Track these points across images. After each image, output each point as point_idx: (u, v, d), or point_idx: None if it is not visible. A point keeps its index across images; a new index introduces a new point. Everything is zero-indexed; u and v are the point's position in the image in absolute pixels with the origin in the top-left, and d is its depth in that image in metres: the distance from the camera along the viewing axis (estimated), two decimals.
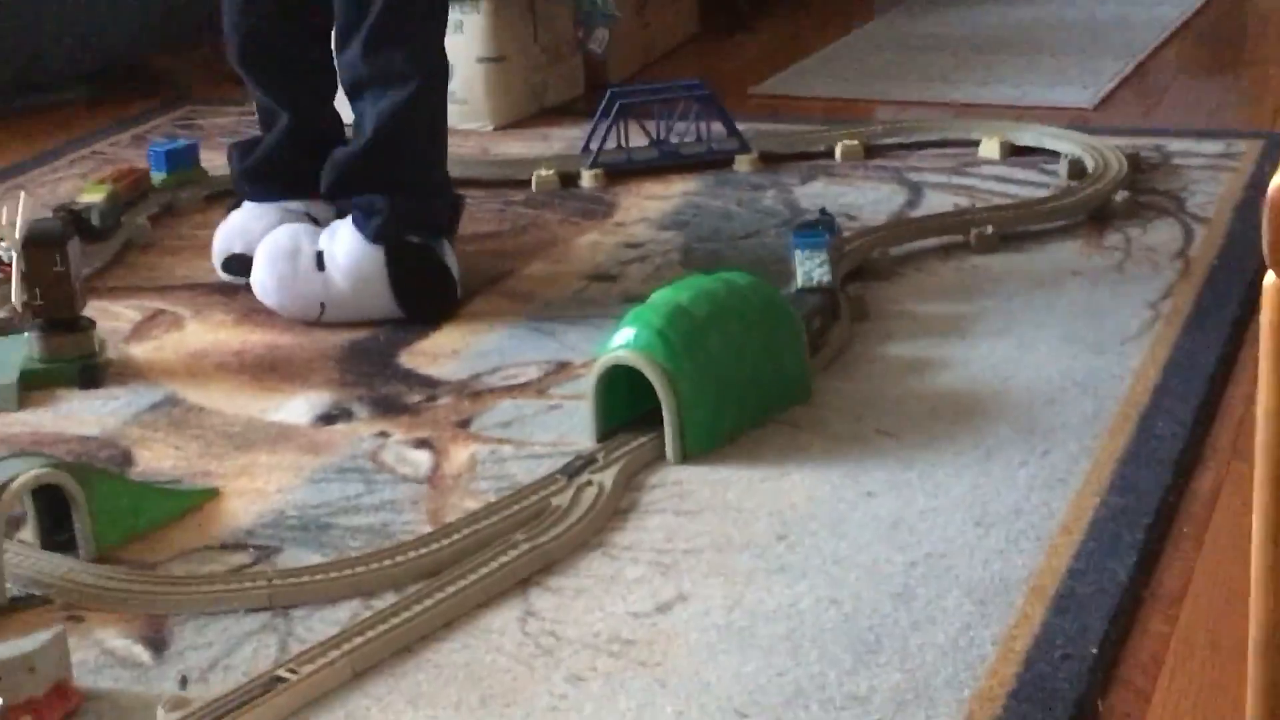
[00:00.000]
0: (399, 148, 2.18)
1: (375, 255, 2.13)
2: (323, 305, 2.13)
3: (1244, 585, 1.47)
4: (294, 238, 2.16)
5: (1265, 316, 0.84)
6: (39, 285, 1.99)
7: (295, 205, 2.29)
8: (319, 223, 2.26)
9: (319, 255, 2.14)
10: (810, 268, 2.06)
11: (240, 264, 2.22)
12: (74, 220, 2.09)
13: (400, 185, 2.16)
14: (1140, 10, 3.61)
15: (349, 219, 2.16)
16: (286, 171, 2.31)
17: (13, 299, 2.01)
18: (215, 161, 2.72)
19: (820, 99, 3.09)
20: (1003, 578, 1.51)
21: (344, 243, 2.14)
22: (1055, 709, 1.31)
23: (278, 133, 2.33)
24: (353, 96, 2.22)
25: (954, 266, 2.25)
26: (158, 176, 2.57)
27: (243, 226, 2.27)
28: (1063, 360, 1.94)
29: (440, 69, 2.27)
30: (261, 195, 2.30)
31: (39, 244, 1.99)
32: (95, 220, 2.29)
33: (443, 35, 2.26)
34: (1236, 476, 1.69)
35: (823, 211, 2.27)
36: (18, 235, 1.99)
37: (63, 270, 1.99)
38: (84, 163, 2.86)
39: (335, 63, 2.26)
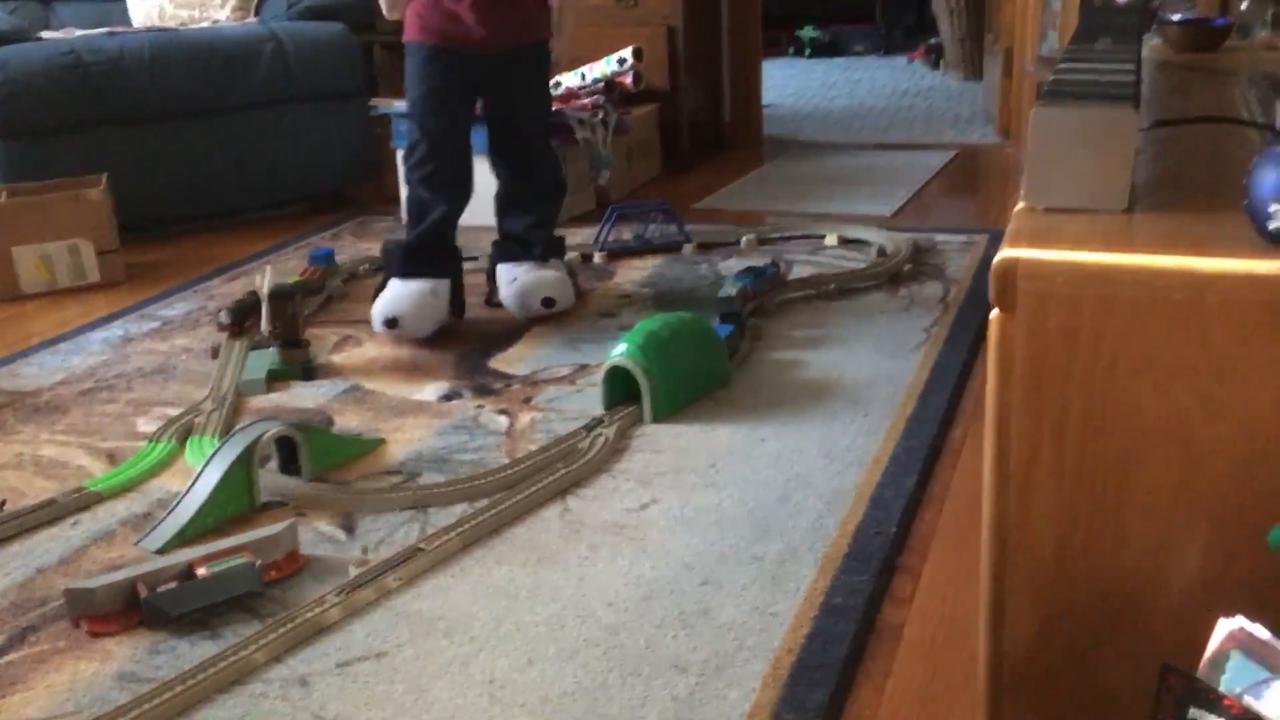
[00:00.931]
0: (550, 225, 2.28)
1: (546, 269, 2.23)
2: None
3: (980, 494, 1.50)
4: (435, 297, 2.15)
5: (991, 336, 0.85)
6: (278, 320, 2.00)
7: (425, 285, 2.13)
8: (437, 296, 2.14)
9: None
10: (727, 289, 2.09)
11: (395, 323, 2.10)
12: (293, 289, 2.07)
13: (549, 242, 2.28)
14: (918, 159, 3.62)
15: (524, 261, 2.23)
16: (426, 258, 2.16)
17: (263, 328, 2.03)
18: (361, 247, 2.73)
19: (732, 211, 3.08)
20: (840, 488, 1.52)
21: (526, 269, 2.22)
22: (871, 564, 1.33)
23: (430, 222, 2.15)
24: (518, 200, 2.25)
25: (811, 308, 2.25)
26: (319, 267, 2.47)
27: (394, 299, 2.12)
28: (874, 362, 1.95)
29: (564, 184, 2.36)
30: (410, 275, 2.15)
31: (278, 296, 2.00)
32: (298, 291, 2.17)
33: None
34: (975, 430, 1.70)
35: (773, 262, 2.33)
36: (266, 291, 2.02)
37: (293, 312, 2.00)
38: (301, 250, 2.83)
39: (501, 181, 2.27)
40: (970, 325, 2.09)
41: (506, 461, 1.64)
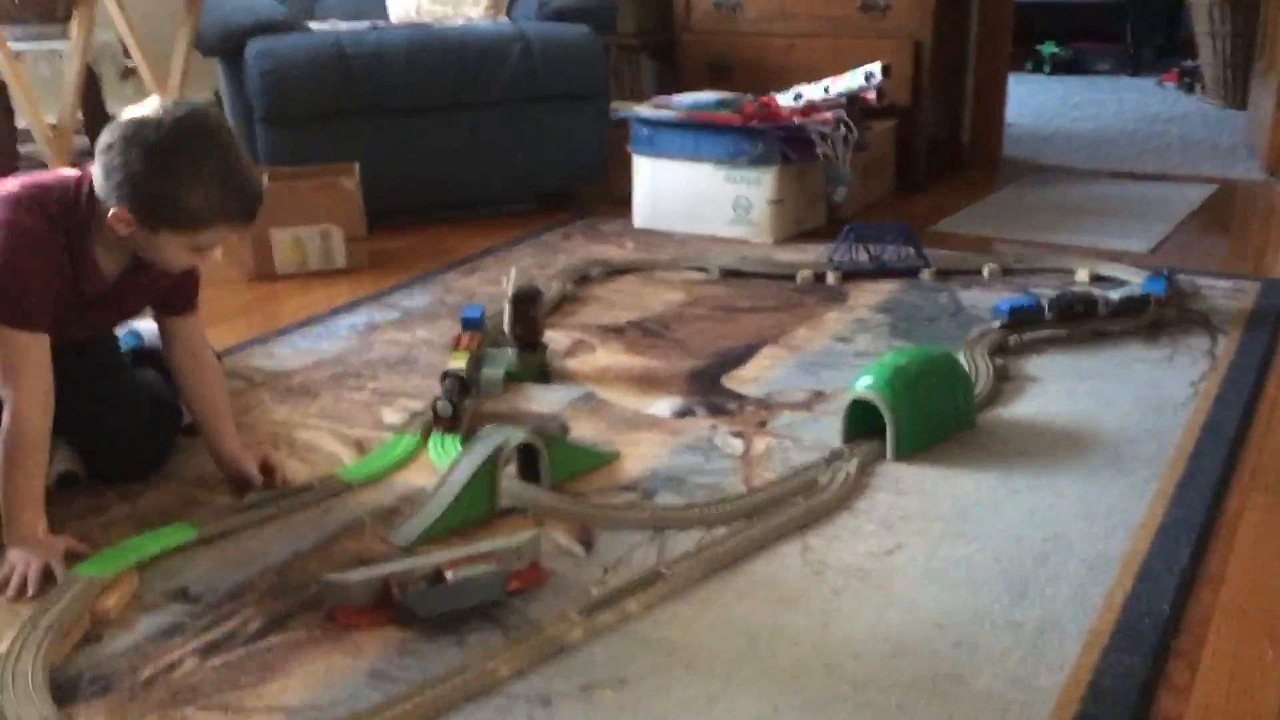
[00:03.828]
0: None
1: None
2: None
3: (1262, 575, 1.39)
4: None
5: None
6: (520, 323, 2.02)
7: None
8: None
9: None
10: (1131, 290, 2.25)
11: None
12: (537, 290, 2.06)
13: None
14: (1173, 192, 3.42)
15: None
16: None
17: (505, 328, 2.06)
18: (593, 249, 2.76)
19: (971, 236, 2.97)
20: (1104, 554, 1.42)
21: None
22: (1144, 645, 1.24)
23: None
24: None
25: (1060, 350, 2.13)
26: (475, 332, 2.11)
27: None
28: (1136, 416, 1.83)
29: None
30: None
31: (522, 299, 2.03)
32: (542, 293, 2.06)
33: None
34: (1253, 503, 1.56)
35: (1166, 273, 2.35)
36: (510, 292, 2.05)
37: (534, 315, 2.03)
38: (533, 248, 2.88)
39: None
40: (1243, 384, 1.94)
41: (744, 489, 1.61)
